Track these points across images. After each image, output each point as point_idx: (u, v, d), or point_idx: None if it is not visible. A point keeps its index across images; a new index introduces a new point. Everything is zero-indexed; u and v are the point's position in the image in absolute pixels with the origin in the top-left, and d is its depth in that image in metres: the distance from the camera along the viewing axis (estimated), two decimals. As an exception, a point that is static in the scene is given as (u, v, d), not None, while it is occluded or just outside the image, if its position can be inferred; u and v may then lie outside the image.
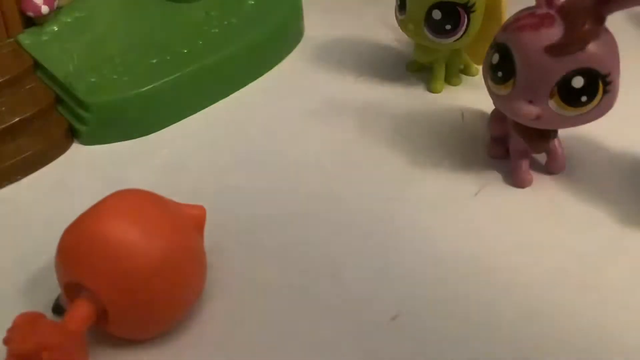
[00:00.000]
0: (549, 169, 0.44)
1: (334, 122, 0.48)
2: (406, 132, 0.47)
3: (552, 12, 0.38)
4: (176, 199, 0.36)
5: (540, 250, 0.39)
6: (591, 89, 0.38)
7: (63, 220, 0.34)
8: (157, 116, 0.48)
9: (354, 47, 0.56)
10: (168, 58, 0.49)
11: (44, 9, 0.50)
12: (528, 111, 0.39)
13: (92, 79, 0.47)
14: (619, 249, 0.39)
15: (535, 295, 0.37)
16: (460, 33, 0.46)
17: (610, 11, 0.37)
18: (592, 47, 0.37)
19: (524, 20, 0.38)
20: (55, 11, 0.51)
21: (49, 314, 0.35)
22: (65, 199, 0.43)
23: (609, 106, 0.39)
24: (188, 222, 0.35)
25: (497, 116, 0.43)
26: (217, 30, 0.51)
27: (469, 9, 0.45)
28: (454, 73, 0.51)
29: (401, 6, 0.48)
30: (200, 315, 0.36)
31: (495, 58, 0.40)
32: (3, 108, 0.45)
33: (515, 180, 0.43)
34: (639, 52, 0.50)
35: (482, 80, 0.42)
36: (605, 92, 0.38)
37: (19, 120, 0.45)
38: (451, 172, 0.44)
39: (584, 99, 0.38)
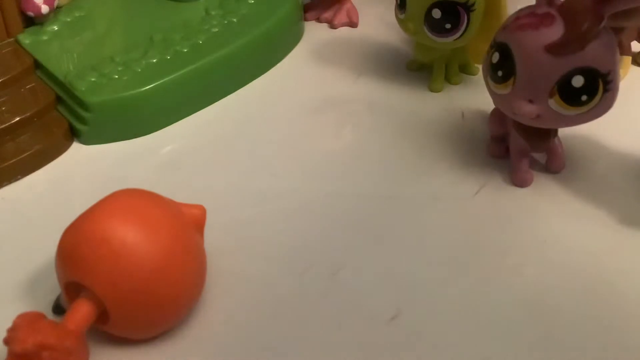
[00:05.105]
0: (549, 168, 0.44)
1: (334, 121, 0.48)
2: (406, 131, 0.47)
3: (552, 11, 0.38)
4: (176, 199, 0.36)
5: (540, 250, 0.39)
6: (591, 88, 0.38)
7: (63, 220, 0.34)
8: (157, 116, 0.48)
9: (354, 47, 0.56)
10: (168, 57, 0.49)
11: (44, 9, 0.50)
12: (528, 110, 0.39)
13: (92, 79, 0.47)
14: (619, 248, 0.39)
15: (536, 294, 0.37)
16: (460, 32, 0.46)
17: (610, 10, 0.37)
18: (592, 46, 0.37)
19: (524, 19, 0.38)
20: (55, 11, 0.51)
21: (49, 314, 0.35)
22: (66, 199, 0.43)
23: (609, 105, 0.39)
24: (188, 222, 0.35)
25: (497, 115, 0.43)
26: (217, 30, 0.51)
27: (468, 8, 0.45)
28: (454, 72, 0.51)
29: (401, 5, 0.48)
30: (200, 315, 0.36)
31: (495, 57, 0.40)
32: (3, 108, 0.45)
33: (515, 179, 0.43)
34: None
35: (482, 80, 0.42)
36: (605, 91, 0.38)
37: (19, 120, 0.45)
38: (451, 171, 0.44)
39: (584, 98, 0.38)
